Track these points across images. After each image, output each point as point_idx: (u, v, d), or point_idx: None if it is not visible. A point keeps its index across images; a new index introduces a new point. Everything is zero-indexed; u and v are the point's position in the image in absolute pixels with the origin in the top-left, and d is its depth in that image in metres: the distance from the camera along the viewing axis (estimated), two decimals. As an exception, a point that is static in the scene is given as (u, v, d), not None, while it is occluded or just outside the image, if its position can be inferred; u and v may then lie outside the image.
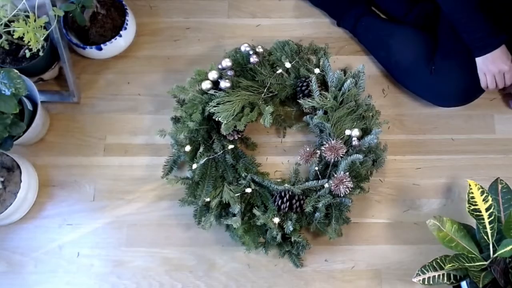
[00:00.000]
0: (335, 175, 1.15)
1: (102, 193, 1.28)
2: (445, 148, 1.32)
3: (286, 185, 1.18)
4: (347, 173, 1.15)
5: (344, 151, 1.18)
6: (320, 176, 1.20)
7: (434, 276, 1.01)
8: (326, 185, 1.16)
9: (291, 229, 1.14)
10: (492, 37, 1.16)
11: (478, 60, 1.19)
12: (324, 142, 1.20)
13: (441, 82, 1.25)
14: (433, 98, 1.31)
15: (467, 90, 1.27)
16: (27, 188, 1.22)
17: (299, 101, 1.25)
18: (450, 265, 0.96)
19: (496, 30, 1.16)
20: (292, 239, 1.16)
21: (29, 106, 1.24)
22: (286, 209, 1.16)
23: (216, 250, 1.23)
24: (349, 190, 1.14)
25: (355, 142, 1.20)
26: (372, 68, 1.40)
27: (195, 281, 1.20)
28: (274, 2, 1.49)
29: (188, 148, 1.22)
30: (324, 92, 1.24)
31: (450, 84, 1.25)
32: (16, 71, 1.12)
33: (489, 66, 1.18)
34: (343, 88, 1.24)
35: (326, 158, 1.18)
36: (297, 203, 1.16)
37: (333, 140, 1.19)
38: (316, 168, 1.20)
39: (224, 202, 1.18)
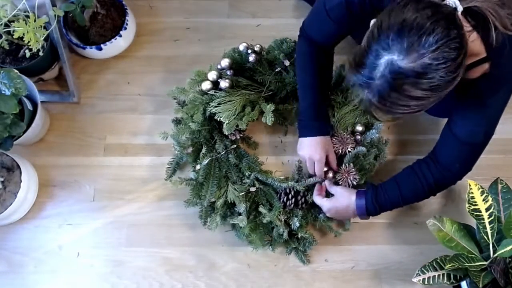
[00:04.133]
0: (341, 168, 1.17)
1: (102, 193, 1.28)
2: (445, 148, 1.32)
3: (290, 182, 1.19)
4: (351, 165, 1.17)
5: (353, 146, 1.20)
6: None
7: (434, 276, 1.01)
8: (330, 174, 1.18)
9: (298, 225, 1.15)
10: (311, 124, 1.16)
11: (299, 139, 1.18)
12: (336, 135, 1.21)
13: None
14: (436, 113, 1.30)
15: None
16: (27, 188, 1.22)
17: None
18: (450, 265, 0.96)
19: (319, 120, 1.15)
20: (299, 235, 1.17)
21: (29, 106, 1.24)
22: (292, 205, 1.16)
23: (216, 250, 1.23)
24: (357, 180, 1.16)
25: (358, 136, 1.21)
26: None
27: (195, 281, 1.20)
28: (274, 2, 1.49)
29: (190, 149, 1.22)
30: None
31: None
32: (16, 71, 1.12)
33: (301, 150, 1.18)
34: (343, 84, 1.26)
35: (335, 150, 1.20)
36: (302, 199, 1.17)
37: (343, 134, 1.21)
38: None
39: (229, 201, 1.18)
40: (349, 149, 1.19)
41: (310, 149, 1.16)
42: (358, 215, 1.11)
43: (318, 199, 1.16)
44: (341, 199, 1.12)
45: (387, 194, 1.08)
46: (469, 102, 0.97)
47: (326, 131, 1.18)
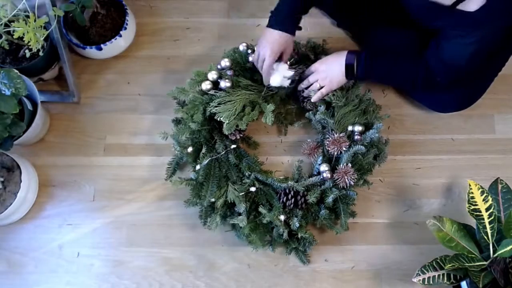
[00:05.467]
0: (339, 167, 1.17)
1: (102, 193, 1.28)
2: (445, 148, 1.32)
3: (290, 182, 1.19)
4: (349, 165, 1.17)
5: (347, 144, 1.19)
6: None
7: (434, 276, 1.01)
8: (325, 174, 1.17)
9: (297, 225, 1.14)
10: (273, 17, 1.18)
11: None
12: (328, 136, 1.21)
13: (440, 90, 1.25)
14: (432, 105, 1.31)
15: (465, 98, 1.28)
16: (27, 188, 1.22)
17: (311, 95, 1.25)
18: (450, 265, 0.96)
19: (289, 18, 1.17)
20: (299, 235, 1.17)
21: (29, 106, 1.24)
22: (292, 206, 1.16)
23: (216, 250, 1.23)
24: (354, 180, 1.15)
25: (357, 136, 1.21)
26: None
27: (195, 281, 1.20)
28: (274, 2, 1.48)
29: (190, 149, 1.22)
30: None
31: (449, 93, 1.26)
32: (16, 71, 1.12)
33: (260, 41, 1.19)
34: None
35: (330, 152, 1.19)
36: (302, 199, 1.17)
37: (336, 134, 1.20)
38: (320, 163, 1.20)
39: (229, 201, 1.18)
40: (344, 148, 1.18)
41: (268, 42, 1.16)
42: (345, 67, 1.17)
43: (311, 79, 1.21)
44: (330, 59, 1.19)
45: (381, 66, 1.17)
46: (459, 31, 1.04)
47: (292, 30, 1.18)
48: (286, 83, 1.24)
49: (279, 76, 1.22)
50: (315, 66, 1.23)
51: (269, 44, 1.16)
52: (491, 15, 0.97)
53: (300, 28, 1.22)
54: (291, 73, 1.23)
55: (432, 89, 1.21)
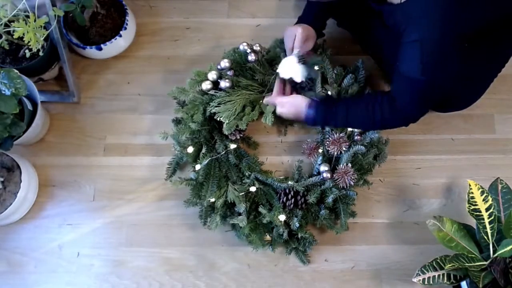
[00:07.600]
0: (339, 167, 1.17)
1: (102, 193, 1.28)
2: (445, 148, 1.32)
3: (290, 182, 1.19)
4: (350, 165, 1.17)
5: (347, 144, 1.19)
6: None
7: (434, 276, 1.01)
8: (325, 174, 1.17)
9: (297, 225, 1.15)
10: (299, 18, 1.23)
11: None
12: (328, 136, 1.21)
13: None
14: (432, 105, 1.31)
15: (465, 98, 1.29)
16: (27, 188, 1.22)
17: (310, 93, 1.24)
18: (450, 265, 0.96)
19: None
20: (299, 235, 1.17)
21: (29, 106, 1.24)
22: (292, 206, 1.16)
23: (216, 250, 1.23)
24: (354, 180, 1.15)
25: (357, 136, 1.21)
26: (372, 67, 1.39)
27: (195, 281, 1.20)
28: (274, 2, 1.49)
29: (190, 149, 1.22)
30: (327, 86, 1.24)
31: (449, 93, 1.26)
32: (16, 71, 1.12)
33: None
34: (343, 84, 1.26)
35: (330, 152, 1.19)
36: (302, 199, 1.17)
37: (335, 134, 1.20)
38: (320, 163, 1.20)
39: (229, 201, 1.18)
40: (344, 148, 1.19)
41: (296, 25, 1.21)
42: (306, 122, 1.16)
43: (271, 100, 1.21)
44: (292, 107, 1.16)
45: (336, 116, 1.14)
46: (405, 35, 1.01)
47: (318, 32, 1.24)
48: (297, 78, 1.20)
49: (290, 68, 1.19)
50: (278, 111, 1.19)
51: (297, 26, 1.19)
52: (417, 10, 0.98)
53: (323, 35, 1.28)
54: (300, 67, 1.19)
55: (393, 126, 1.17)
